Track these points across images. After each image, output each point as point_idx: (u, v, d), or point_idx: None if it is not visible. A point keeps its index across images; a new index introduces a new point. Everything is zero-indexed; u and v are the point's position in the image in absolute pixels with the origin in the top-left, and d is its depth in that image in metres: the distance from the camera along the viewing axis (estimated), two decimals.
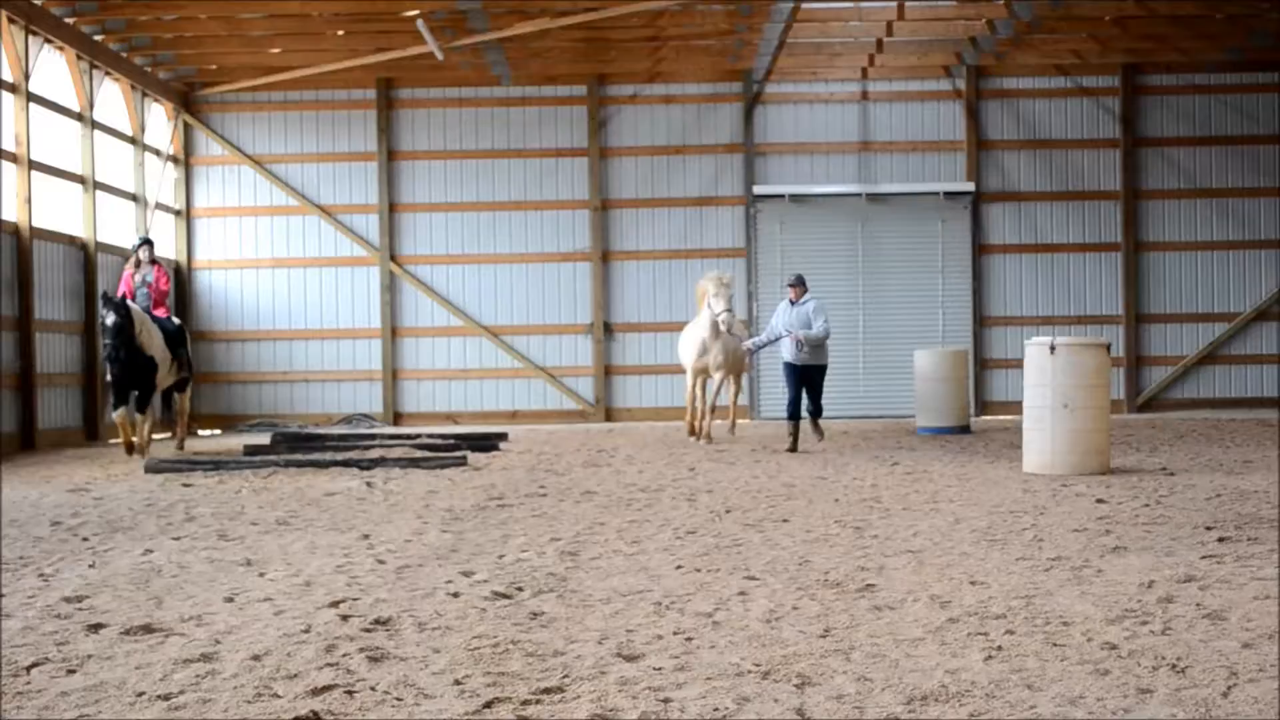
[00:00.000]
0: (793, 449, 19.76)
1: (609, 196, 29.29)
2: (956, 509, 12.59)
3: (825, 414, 28.18)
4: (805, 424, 21.11)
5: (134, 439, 19.97)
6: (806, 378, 20.02)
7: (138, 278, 20.92)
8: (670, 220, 29.23)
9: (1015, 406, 26.94)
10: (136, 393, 19.87)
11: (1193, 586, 8.30)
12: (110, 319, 19.25)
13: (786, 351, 20.03)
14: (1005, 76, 29.60)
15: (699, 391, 21.50)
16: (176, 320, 21.54)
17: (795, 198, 29.13)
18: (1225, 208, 29.52)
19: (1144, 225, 29.56)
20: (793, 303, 20.04)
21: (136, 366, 19.57)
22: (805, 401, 20.25)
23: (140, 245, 21.19)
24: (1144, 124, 29.65)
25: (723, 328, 20.71)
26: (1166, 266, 29.59)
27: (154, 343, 19.93)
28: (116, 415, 19.80)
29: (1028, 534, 10.80)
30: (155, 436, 24.18)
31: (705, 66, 29.23)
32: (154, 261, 21.13)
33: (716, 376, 21.27)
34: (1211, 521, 11.28)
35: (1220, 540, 10.22)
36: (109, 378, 19.97)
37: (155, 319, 20.35)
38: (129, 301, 19.72)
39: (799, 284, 20.10)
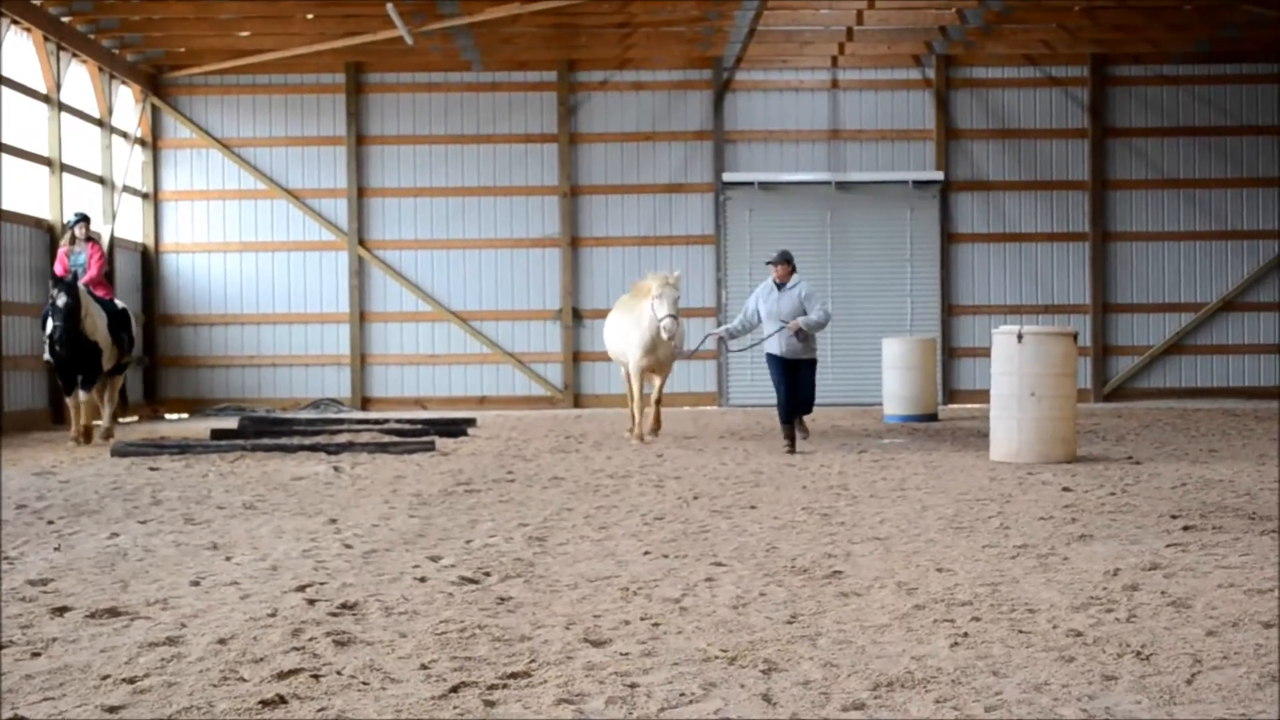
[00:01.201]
0: (791, 450, 17.42)
1: (578, 182, 29.26)
2: (923, 497, 12.62)
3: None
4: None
5: (88, 423, 19.40)
6: (796, 374, 17.53)
7: (72, 258, 19.64)
8: (640, 207, 29.21)
9: (982, 395, 27.03)
10: (81, 377, 19.09)
11: (1158, 574, 8.33)
12: (61, 300, 18.46)
13: (774, 344, 17.42)
14: (975, 66, 29.66)
15: (638, 390, 19.60)
16: (120, 303, 20.41)
17: (765, 185, 29.13)
18: (1192, 198, 29.64)
19: (1111, 215, 29.65)
20: (779, 285, 17.50)
21: (81, 351, 18.86)
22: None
23: (76, 222, 19.75)
24: (1112, 114, 29.73)
25: (664, 335, 18.38)
26: (1134, 256, 29.70)
27: (98, 327, 19.12)
28: (69, 400, 19.20)
29: (994, 522, 10.83)
30: (122, 420, 24.06)
31: (675, 53, 29.21)
32: (90, 239, 19.82)
33: (657, 380, 19.63)
34: (1176, 510, 11.33)
35: (1185, 529, 10.26)
36: (49, 358, 19.12)
37: (99, 300, 19.41)
38: (79, 284, 18.84)
39: (784, 262, 17.59)
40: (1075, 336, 16.35)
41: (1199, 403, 28.42)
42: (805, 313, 17.32)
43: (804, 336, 17.33)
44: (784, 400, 17.57)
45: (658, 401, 19.78)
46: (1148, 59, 29.70)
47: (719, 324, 27.56)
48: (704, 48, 28.89)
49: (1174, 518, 10.88)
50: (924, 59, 29.57)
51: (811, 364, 17.66)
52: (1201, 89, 29.76)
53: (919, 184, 29.23)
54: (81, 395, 19.22)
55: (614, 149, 29.30)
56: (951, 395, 29.39)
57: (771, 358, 17.54)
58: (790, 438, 17.55)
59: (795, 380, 17.53)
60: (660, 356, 19.09)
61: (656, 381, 19.60)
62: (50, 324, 18.75)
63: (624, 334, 19.46)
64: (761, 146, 29.64)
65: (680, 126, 29.44)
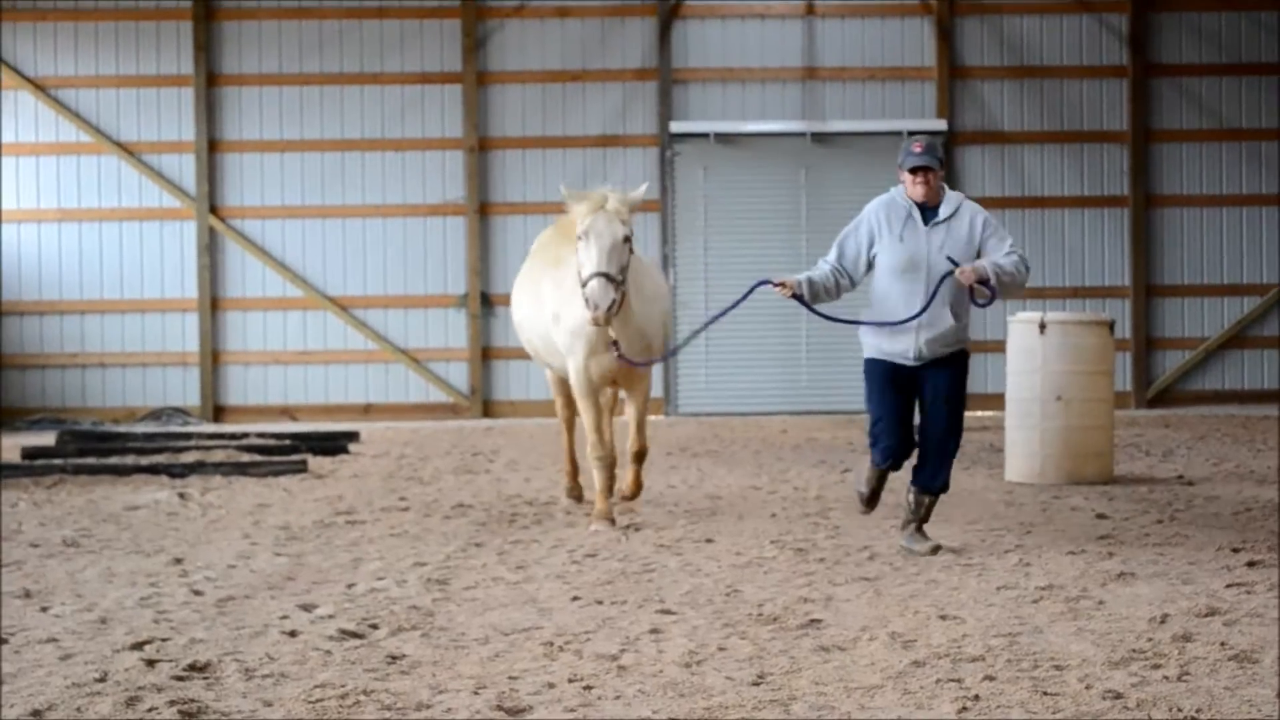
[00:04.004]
0: (873, 503, 12.31)
1: (488, 134, 29.18)
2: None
3: (762, 410, 28.30)
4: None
5: None
6: (922, 385, 11.86)
7: None
8: (566, 164, 29.17)
9: (996, 400, 27.15)
10: None
11: (1216, 621, 8.40)
12: None
13: (894, 340, 11.75)
14: None
15: (597, 416, 13.53)
16: None
17: (722, 137, 29.14)
18: (1257, 152, 29.82)
19: (1157, 175, 29.83)
20: (924, 207, 11.76)
21: None
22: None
23: None
24: (1158, 48, 29.88)
25: (591, 317, 12.58)
26: (1184, 226, 29.87)
27: None
28: None
29: (1011, 557, 10.89)
30: None
31: None
32: None
33: (629, 403, 13.93)
34: (1239, 542, 11.42)
35: (1249, 565, 10.35)
36: None
37: None
38: None
39: (933, 159, 11.69)
40: (1112, 326, 16.45)
41: (1265, 409, 28.63)
42: (987, 255, 11.73)
43: (984, 297, 11.76)
44: (890, 428, 11.80)
45: (636, 454, 13.92)
46: None
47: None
48: None
49: (1235, 551, 10.97)
50: None
51: (957, 366, 12.02)
52: (1270, 16, 29.97)
53: (916, 135, 29.29)
54: None
55: (533, 92, 29.25)
56: None
57: (881, 364, 11.87)
58: (874, 493, 12.23)
59: (920, 393, 11.91)
60: (633, 339, 13.26)
61: (629, 404, 13.87)
62: None
63: (545, 307, 13.92)
64: (718, 89, 29.65)
65: (616, 64, 29.43)
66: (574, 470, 15.07)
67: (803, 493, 15.34)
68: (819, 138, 29.26)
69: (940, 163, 11.83)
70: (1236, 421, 25.56)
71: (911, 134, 11.74)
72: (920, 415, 11.99)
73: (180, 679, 7.28)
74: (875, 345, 11.92)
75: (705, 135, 29.10)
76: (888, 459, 11.95)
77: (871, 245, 11.85)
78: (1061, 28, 29.89)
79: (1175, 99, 29.94)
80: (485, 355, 29.19)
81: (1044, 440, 15.94)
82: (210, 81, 29.03)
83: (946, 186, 11.95)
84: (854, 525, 12.82)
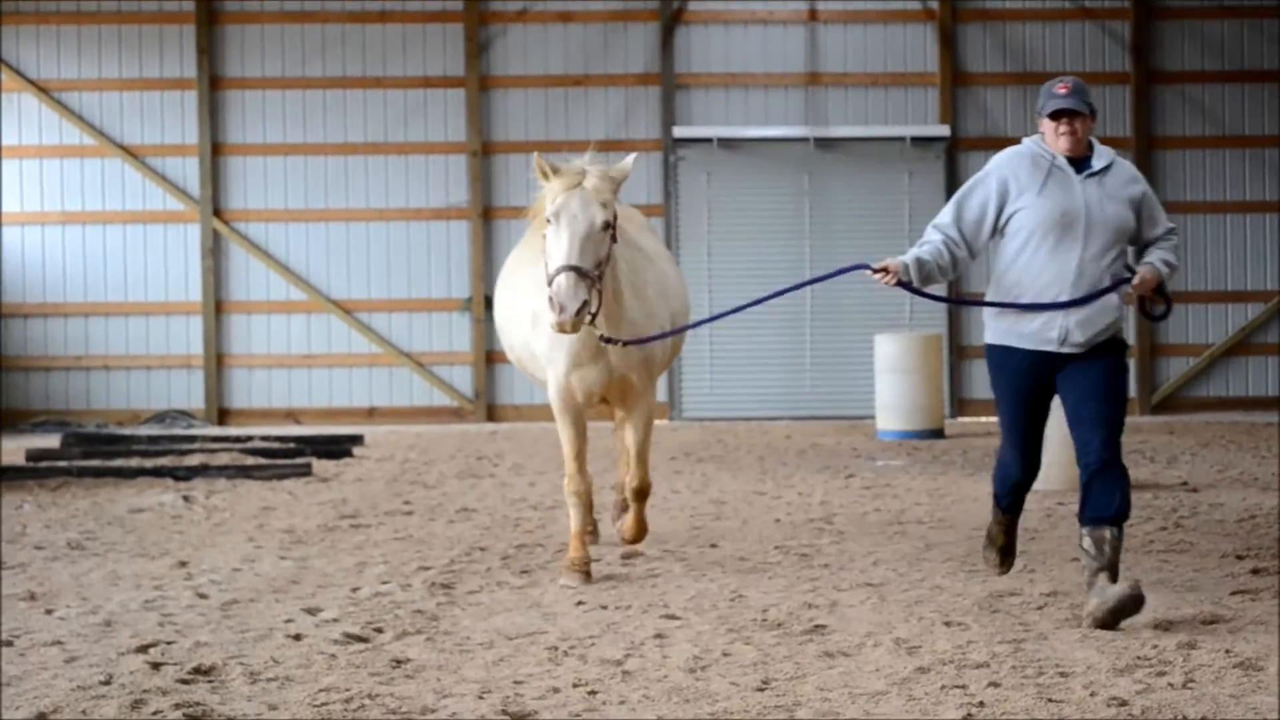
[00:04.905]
0: (1004, 558, 10.04)
1: (491, 138, 29.18)
2: (926, 532, 12.67)
3: (767, 415, 28.30)
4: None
5: None
6: (1079, 384, 9.46)
7: None
8: None
9: None
10: None
11: (1220, 629, 8.40)
12: None
13: (1027, 322, 9.46)
14: None
15: (576, 440, 11.23)
16: None
17: (726, 142, 29.13)
18: (1260, 159, 29.81)
19: (1160, 181, 29.80)
20: (1082, 163, 9.54)
21: None
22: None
23: None
24: (1161, 55, 29.88)
25: (552, 319, 10.10)
26: (1188, 233, 29.84)
27: None
28: None
29: (1016, 563, 10.87)
30: None
31: None
32: None
33: (628, 425, 11.65)
34: (1243, 549, 11.42)
35: (1254, 572, 10.35)
36: None
37: None
38: None
39: (1081, 104, 9.51)
40: None
41: (1269, 415, 28.61)
42: (1143, 234, 9.65)
43: (1151, 315, 10.02)
44: (1015, 441, 9.86)
45: (636, 492, 11.70)
46: None
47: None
48: None
49: (1240, 559, 10.97)
50: None
51: (1117, 357, 9.65)
52: (1271, 23, 29.95)
53: (919, 141, 29.31)
54: None
55: (536, 96, 29.25)
56: (961, 406, 29.49)
57: (1000, 347, 9.67)
58: (1005, 549, 10.05)
59: (1067, 393, 9.55)
60: (614, 364, 11.03)
61: (627, 428, 11.69)
62: None
63: (527, 319, 11.63)
64: (721, 93, 29.66)
65: (619, 68, 29.44)
66: (581, 519, 11.25)
67: (807, 498, 15.34)
68: (822, 143, 29.24)
69: (1092, 109, 9.60)
70: (1240, 428, 25.54)
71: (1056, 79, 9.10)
72: (1070, 424, 9.48)
73: (185, 682, 7.28)
74: (1003, 327, 9.59)
75: (708, 140, 29.09)
76: (1007, 491, 9.88)
77: (1003, 204, 9.56)
78: (1064, 34, 29.89)
79: (1178, 106, 29.94)
80: (489, 359, 29.17)
81: (1049, 446, 15.84)
82: (213, 85, 29.03)
83: (1096, 141, 9.70)
84: (858, 531, 12.81)
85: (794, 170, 29.29)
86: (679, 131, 29.05)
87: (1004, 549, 9.93)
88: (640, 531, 11.90)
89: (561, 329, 10.03)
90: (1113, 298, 9.34)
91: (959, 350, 29.56)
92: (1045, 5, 29.87)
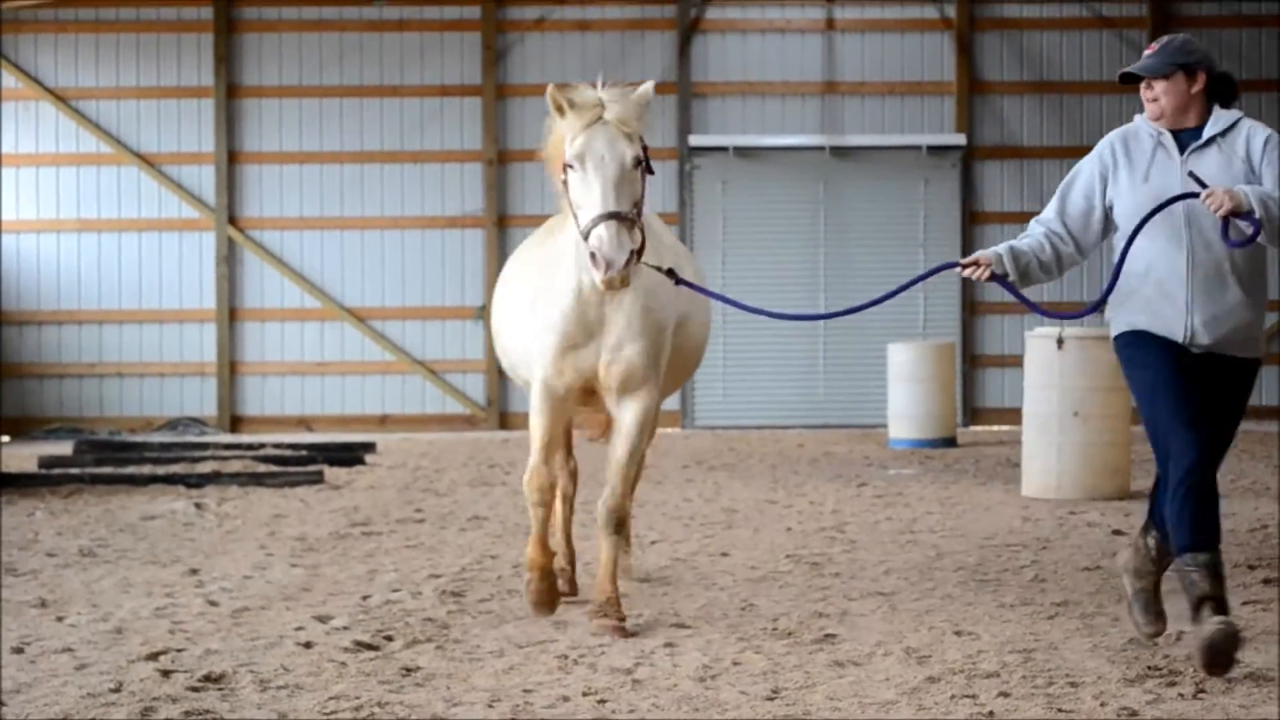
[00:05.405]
0: (1151, 623, 8.52)
1: (507, 147, 29.21)
2: (938, 541, 12.66)
3: (779, 423, 28.30)
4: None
5: None
6: (1205, 390, 8.26)
7: None
8: None
9: (1013, 414, 27.09)
10: None
11: None
12: None
13: (1165, 305, 8.33)
14: (1005, 2, 29.76)
15: (549, 426, 9.56)
16: None
17: (741, 151, 29.14)
18: None
19: None
20: (1178, 134, 8.51)
21: None
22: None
23: None
24: None
25: (599, 279, 8.57)
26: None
27: None
28: None
29: (1027, 573, 10.87)
30: None
31: None
32: None
33: (622, 421, 9.43)
34: (1254, 559, 11.41)
35: (1265, 582, 10.34)
36: None
37: None
38: None
39: (1165, 64, 8.56)
40: None
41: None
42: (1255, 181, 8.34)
43: (1231, 241, 8.25)
44: (1186, 417, 8.15)
45: (610, 518, 9.39)
46: None
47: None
48: None
49: (1251, 568, 10.96)
50: None
51: (1244, 372, 8.48)
52: None
53: (935, 150, 29.30)
54: None
55: None
56: (974, 415, 29.48)
57: (1146, 340, 8.41)
58: (1149, 598, 8.62)
59: (1200, 405, 8.21)
60: (613, 339, 9.31)
61: (617, 429, 9.47)
62: None
63: (525, 305, 10.02)
64: (738, 102, 29.67)
65: (636, 76, 29.26)
66: (547, 552, 9.78)
67: (819, 507, 15.33)
68: (838, 152, 29.24)
69: (1189, 66, 8.44)
70: (1253, 437, 25.49)
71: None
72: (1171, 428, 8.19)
73: (195, 690, 7.29)
74: (1132, 317, 8.46)
75: (724, 149, 29.10)
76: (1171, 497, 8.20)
77: (1106, 191, 8.52)
78: (1081, 43, 29.88)
79: None
80: (502, 367, 29.17)
81: (1061, 456, 15.92)
82: (230, 93, 29.07)
83: (1218, 105, 8.46)
84: (870, 540, 12.80)
85: (809, 179, 29.29)
86: (695, 140, 29.07)
87: (1148, 601, 8.46)
88: (611, 588, 9.22)
89: (610, 286, 8.52)
90: (1241, 295, 8.28)
91: (972, 359, 29.54)
92: (1063, 14, 29.85)
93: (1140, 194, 8.29)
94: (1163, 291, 8.22)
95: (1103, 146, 8.60)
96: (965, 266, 8.55)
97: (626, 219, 8.67)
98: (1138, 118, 8.62)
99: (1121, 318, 8.48)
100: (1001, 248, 8.53)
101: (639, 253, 8.71)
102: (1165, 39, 8.66)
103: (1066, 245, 8.59)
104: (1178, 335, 8.18)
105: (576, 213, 8.91)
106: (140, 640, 8.53)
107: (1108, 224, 8.56)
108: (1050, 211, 8.65)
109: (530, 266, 10.17)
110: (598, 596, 9.18)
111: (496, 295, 11.06)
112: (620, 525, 9.40)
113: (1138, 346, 8.33)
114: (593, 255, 8.53)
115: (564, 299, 9.23)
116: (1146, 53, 8.61)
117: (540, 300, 9.52)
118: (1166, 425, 8.11)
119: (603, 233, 8.52)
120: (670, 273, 9.15)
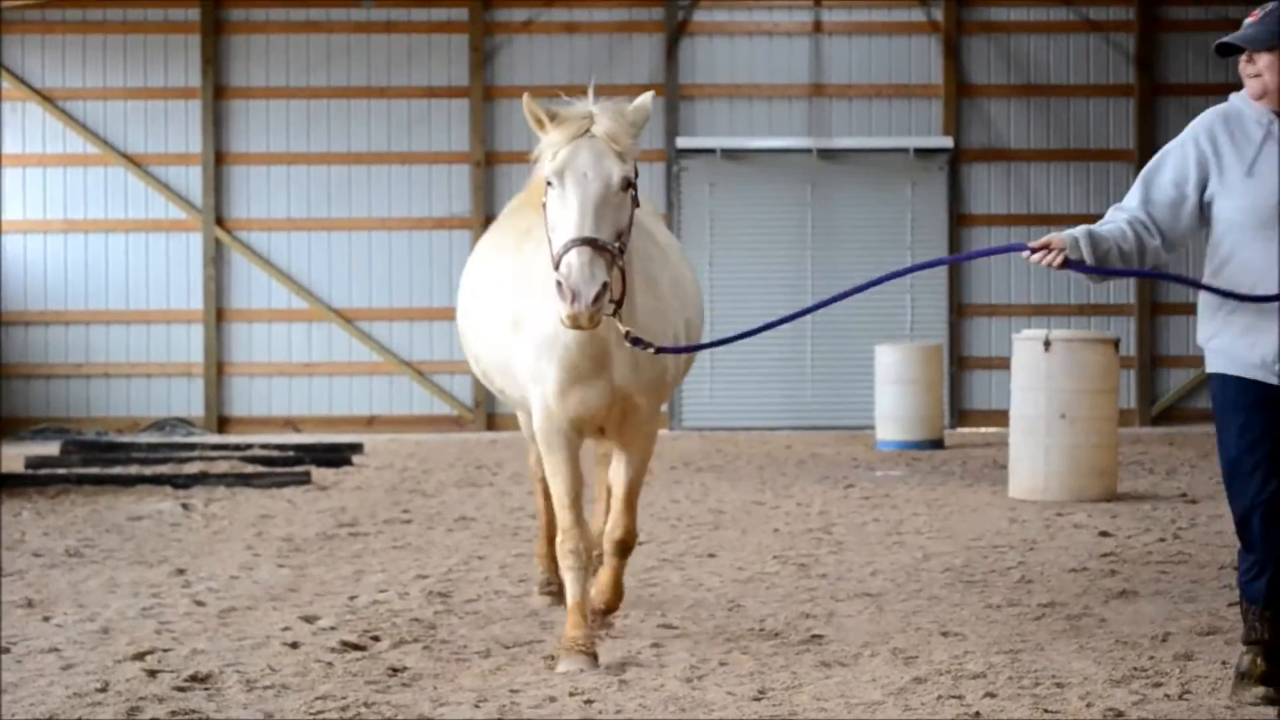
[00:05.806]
0: (1263, 688, 7.13)
1: (495, 148, 29.20)
2: (925, 542, 12.67)
3: (766, 425, 28.30)
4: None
5: None
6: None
7: None
8: None
9: (1000, 416, 27.12)
10: None
11: (1218, 640, 8.39)
12: None
13: (1240, 336, 7.50)
14: (993, 5, 29.77)
15: (572, 481, 8.57)
16: None
17: (729, 153, 29.14)
18: None
19: None
20: None
21: None
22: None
23: None
24: (1165, 68, 29.89)
25: (563, 311, 7.54)
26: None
27: None
28: None
29: (1014, 574, 10.88)
30: None
31: None
32: None
33: (619, 461, 8.94)
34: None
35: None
36: None
37: None
38: None
39: (1268, 33, 7.39)
40: (1117, 344, 16.46)
41: None
42: None
43: None
44: (1268, 508, 7.30)
45: (618, 544, 9.00)
46: None
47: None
48: None
49: (1238, 570, 10.96)
50: None
51: None
52: None
53: (922, 153, 29.31)
54: None
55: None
56: (961, 416, 29.49)
57: (1226, 377, 7.56)
58: (1269, 666, 7.19)
59: None
60: (618, 382, 8.42)
61: (619, 462, 8.92)
62: None
63: (499, 306, 9.28)
64: (725, 104, 29.66)
65: (624, 79, 29.42)
66: (553, 551, 9.52)
67: (806, 508, 15.33)
68: (825, 154, 29.24)
69: None
70: None
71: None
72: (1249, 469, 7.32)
73: (182, 690, 7.28)
74: (1226, 350, 7.53)
75: (712, 151, 29.09)
76: (1263, 576, 7.30)
77: (1204, 184, 7.51)
78: (1069, 47, 29.90)
79: (1181, 118, 29.75)
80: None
81: (1048, 457, 15.93)
82: (217, 94, 29.04)
83: None
84: (857, 541, 12.81)
85: (797, 181, 29.29)
86: (682, 142, 29.07)
87: (1269, 670, 7.15)
88: (616, 596, 9.12)
89: (575, 323, 7.45)
90: None
91: (959, 361, 29.55)
92: (1049, 17, 29.86)
93: (1244, 192, 7.32)
94: (1258, 322, 7.29)
95: (1198, 130, 7.56)
96: (1035, 250, 7.39)
97: (604, 249, 7.56)
98: (1234, 97, 7.60)
99: (1218, 346, 7.55)
100: (1078, 231, 7.40)
101: (618, 303, 7.75)
102: (1272, 4, 7.36)
103: (1152, 238, 7.59)
104: (1273, 365, 7.23)
105: (551, 236, 7.81)
106: (127, 640, 8.52)
107: (1201, 218, 7.60)
108: (1133, 199, 7.62)
109: (505, 274, 9.22)
110: (605, 600, 8.95)
111: (463, 290, 10.30)
112: (629, 549, 9.01)
113: (1231, 386, 7.41)
114: (558, 284, 7.46)
115: (568, 332, 7.98)
116: (1248, 20, 7.42)
117: (529, 316, 8.50)
118: (1260, 490, 7.24)
119: (573, 260, 7.45)
120: (647, 345, 7.98)
